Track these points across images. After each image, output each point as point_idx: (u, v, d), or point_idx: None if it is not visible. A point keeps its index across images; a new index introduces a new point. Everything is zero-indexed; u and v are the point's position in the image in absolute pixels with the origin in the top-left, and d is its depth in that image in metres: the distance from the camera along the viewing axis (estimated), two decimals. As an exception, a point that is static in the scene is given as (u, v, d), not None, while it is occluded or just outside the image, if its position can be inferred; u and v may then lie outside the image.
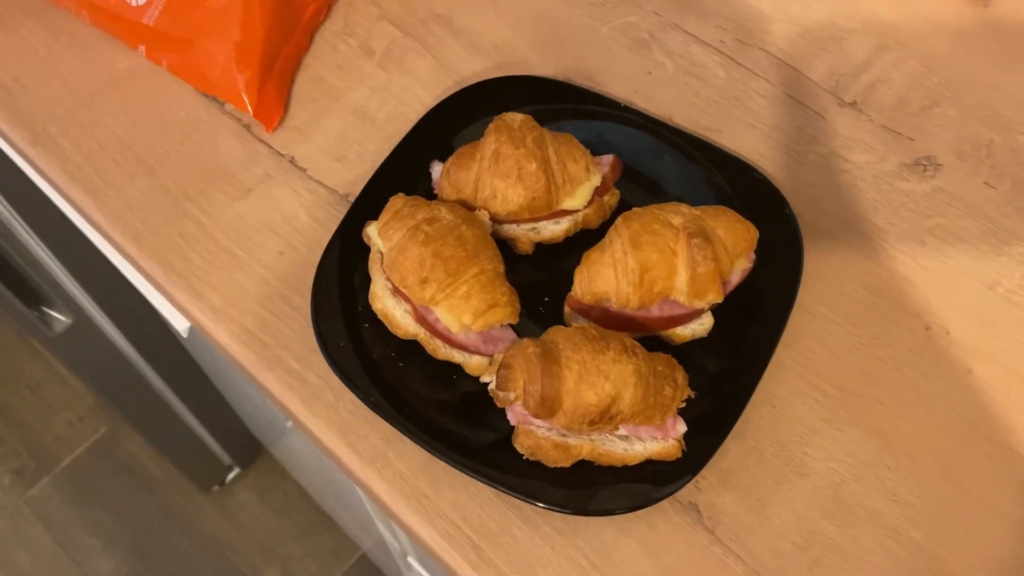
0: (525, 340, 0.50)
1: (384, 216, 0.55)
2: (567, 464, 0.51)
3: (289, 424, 1.20)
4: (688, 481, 0.51)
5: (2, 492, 1.68)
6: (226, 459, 1.62)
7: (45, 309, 1.21)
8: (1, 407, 1.76)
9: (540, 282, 0.58)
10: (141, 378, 1.35)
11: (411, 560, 1.09)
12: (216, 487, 1.65)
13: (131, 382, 1.35)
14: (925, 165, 0.63)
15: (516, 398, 0.49)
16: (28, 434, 1.73)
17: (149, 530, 1.64)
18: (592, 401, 0.48)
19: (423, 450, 0.52)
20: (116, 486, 1.68)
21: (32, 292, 1.18)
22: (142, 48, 0.67)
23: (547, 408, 0.48)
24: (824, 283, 0.58)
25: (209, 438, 1.54)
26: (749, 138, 0.64)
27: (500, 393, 0.49)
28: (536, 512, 0.52)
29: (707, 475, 0.52)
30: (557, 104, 0.63)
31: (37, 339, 1.46)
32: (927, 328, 0.57)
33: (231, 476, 1.66)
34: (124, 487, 1.68)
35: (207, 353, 1.20)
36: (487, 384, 0.52)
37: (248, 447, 1.64)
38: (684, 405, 0.52)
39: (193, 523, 1.64)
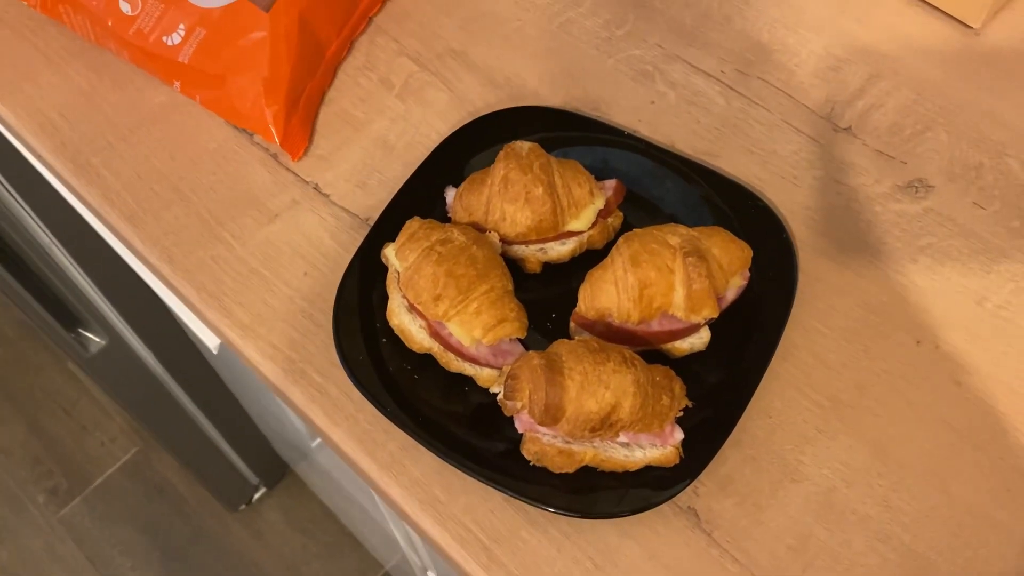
0: (531, 352, 0.53)
1: (400, 238, 0.59)
2: (571, 470, 0.54)
3: (315, 443, 1.23)
4: (686, 486, 0.54)
5: (36, 511, 1.72)
6: (253, 479, 1.66)
7: (81, 331, 1.26)
8: (37, 428, 1.81)
9: (548, 299, 0.61)
10: (172, 399, 1.39)
11: (431, 575, 1.11)
12: (243, 506, 1.69)
13: (162, 403, 1.39)
14: (917, 187, 0.66)
15: (522, 407, 0.52)
16: (62, 454, 1.78)
17: (179, 549, 1.68)
18: (593, 409, 0.51)
19: (437, 457, 0.55)
20: (147, 505, 1.72)
21: (69, 314, 1.23)
22: (177, 84, 0.71)
23: (551, 416, 0.51)
24: (819, 299, 0.61)
25: (236, 458, 1.58)
26: (748, 163, 0.67)
27: (508, 402, 0.53)
28: (543, 516, 0.55)
29: (706, 481, 0.55)
30: (564, 132, 0.67)
31: (72, 360, 1.51)
32: (918, 342, 0.59)
33: (257, 495, 1.70)
34: (155, 506, 1.72)
35: (235, 374, 1.24)
36: (496, 395, 0.56)
37: (274, 467, 1.68)
38: (682, 414, 0.55)
39: (221, 542, 1.67)
